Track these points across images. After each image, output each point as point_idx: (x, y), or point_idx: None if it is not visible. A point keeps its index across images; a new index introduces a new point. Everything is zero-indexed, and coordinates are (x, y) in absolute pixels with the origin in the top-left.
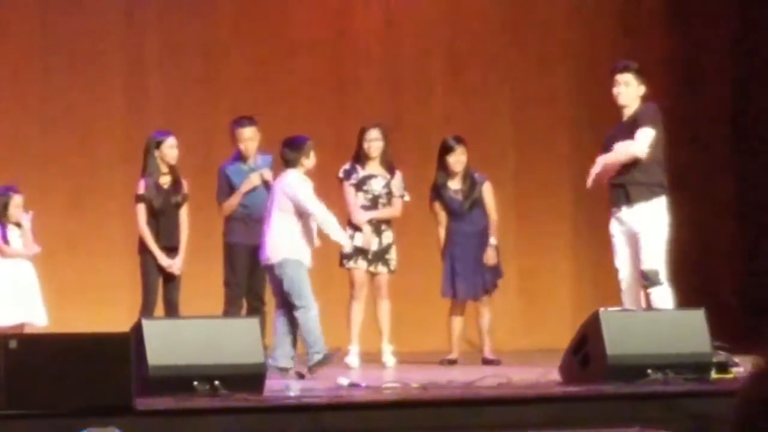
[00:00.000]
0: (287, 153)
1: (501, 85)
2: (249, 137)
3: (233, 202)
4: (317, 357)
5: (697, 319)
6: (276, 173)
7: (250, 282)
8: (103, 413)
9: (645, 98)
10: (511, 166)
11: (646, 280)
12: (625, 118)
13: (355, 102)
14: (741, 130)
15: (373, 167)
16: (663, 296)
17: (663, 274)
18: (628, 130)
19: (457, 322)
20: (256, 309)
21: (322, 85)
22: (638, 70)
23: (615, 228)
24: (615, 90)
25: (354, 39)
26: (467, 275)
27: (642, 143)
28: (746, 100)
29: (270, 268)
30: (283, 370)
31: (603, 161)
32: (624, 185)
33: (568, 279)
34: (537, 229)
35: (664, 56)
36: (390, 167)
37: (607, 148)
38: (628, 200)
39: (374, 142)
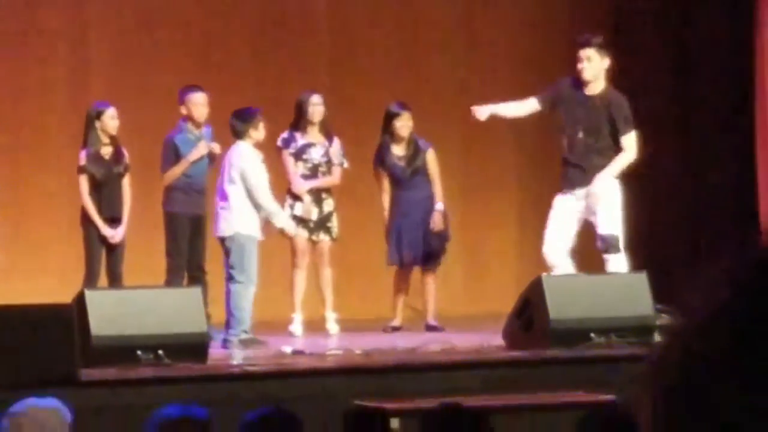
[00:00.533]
0: (236, 124)
1: (447, 55)
2: (201, 103)
3: (178, 170)
4: (245, 336)
5: (639, 282)
6: (224, 147)
7: (191, 251)
8: (48, 384)
9: (609, 72)
10: (456, 136)
11: (606, 245)
12: (589, 91)
13: (295, 69)
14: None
15: (313, 135)
16: (620, 264)
17: (621, 242)
18: (599, 111)
19: (402, 289)
20: (197, 278)
21: (260, 51)
22: (600, 44)
23: (564, 202)
24: (579, 66)
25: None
26: (413, 243)
27: (633, 150)
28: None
29: (222, 241)
30: (249, 342)
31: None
32: (583, 167)
33: (512, 247)
34: (482, 198)
35: None
36: (328, 134)
37: (555, 104)
38: (586, 180)
39: (317, 106)
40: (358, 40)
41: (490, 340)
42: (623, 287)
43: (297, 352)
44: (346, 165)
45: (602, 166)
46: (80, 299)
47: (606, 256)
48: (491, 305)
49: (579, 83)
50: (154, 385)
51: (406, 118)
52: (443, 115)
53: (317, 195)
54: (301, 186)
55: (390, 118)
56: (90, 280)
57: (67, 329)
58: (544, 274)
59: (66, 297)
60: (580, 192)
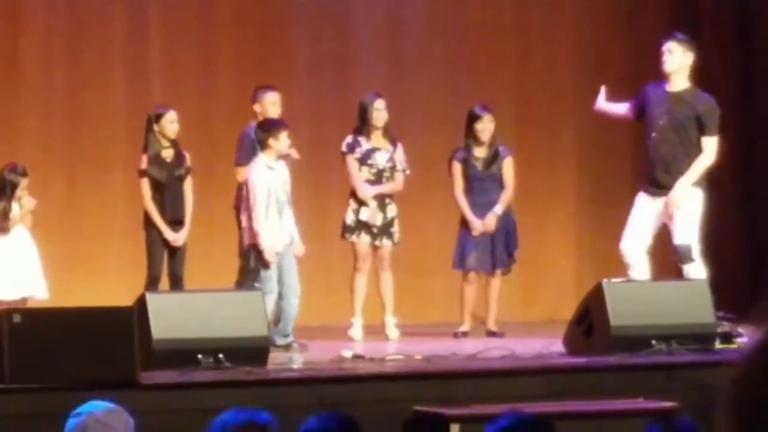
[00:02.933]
0: (258, 133)
1: (506, 61)
2: (274, 102)
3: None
4: (283, 340)
5: (700, 289)
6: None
7: None
8: (108, 387)
9: (694, 67)
10: (514, 139)
11: (679, 255)
12: (672, 87)
13: (355, 75)
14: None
15: (377, 140)
16: (697, 273)
17: (696, 251)
18: (683, 108)
19: (469, 293)
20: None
21: (322, 59)
22: (683, 39)
23: (644, 202)
24: (662, 59)
25: (354, 15)
26: (479, 247)
27: (713, 153)
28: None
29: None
30: (283, 347)
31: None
32: (664, 166)
33: (570, 251)
34: (539, 202)
35: None
36: (392, 139)
37: (642, 109)
38: (668, 181)
39: (381, 111)
40: (415, 46)
41: (550, 346)
42: (684, 294)
43: (357, 357)
44: (408, 171)
45: (686, 165)
46: (141, 302)
47: (682, 266)
48: (550, 311)
49: (662, 82)
50: (214, 389)
51: (487, 120)
52: (501, 119)
53: (381, 200)
54: (367, 191)
55: (471, 120)
56: (152, 283)
57: (128, 332)
58: (604, 281)
59: (126, 299)
60: (661, 193)
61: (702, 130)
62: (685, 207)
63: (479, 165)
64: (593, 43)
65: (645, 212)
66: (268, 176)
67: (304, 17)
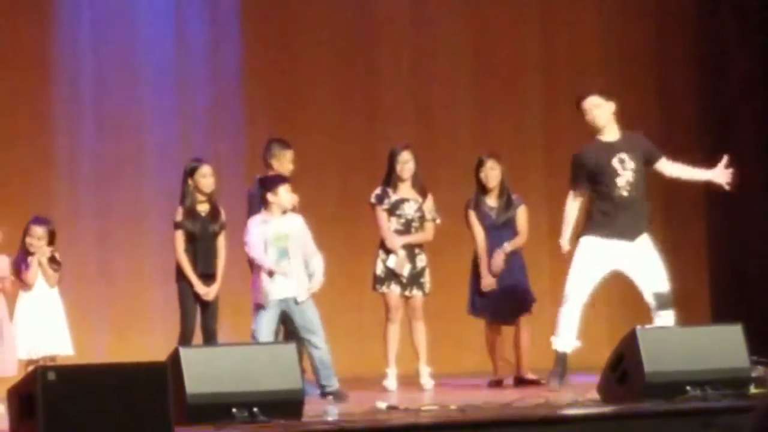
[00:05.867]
0: (259, 189)
1: (531, 106)
2: (292, 159)
3: None
4: None
5: (734, 334)
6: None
7: None
8: None
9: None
10: (541, 181)
11: (662, 302)
12: (607, 137)
13: (383, 123)
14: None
15: (405, 190)
16: (672, 319)
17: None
18: (634, 142)
19: (493, 341)
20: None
21: (350, 106)
22: (600, 91)
23: (601, 251)
24: (588, 117)
25: (382, 59)
26: (493, 296)
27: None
28: None
29: None
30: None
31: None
32: (635, 217)
33: (600, 297)
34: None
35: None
36: (422, 190)
37: (606, 165)
38: (638, 232)
39: (406, 164)
40: (442, 93)
41: (585, 393)
42: (718, 339)
43: (391, 408)
44: (438, 221)
45: (645, 214)
46: (175, 357)
47: (660, 313)
48: (582, 358)
49: (594, 139)
50: None
51: (489, 166)
52: (526, 160)
53: (410, 250)
54: (396, 242)
55: (477, 167)
56: (185, 337)
57: (162, 387)
58: (638, 327)
59: (160, 354)
60: (622, 243)
61: (654, 158)
62: (658, 256)
63: (493, 214)
64: (621, 82)
65: (600, 261)
66: (262, 229)
67: (331, 67)
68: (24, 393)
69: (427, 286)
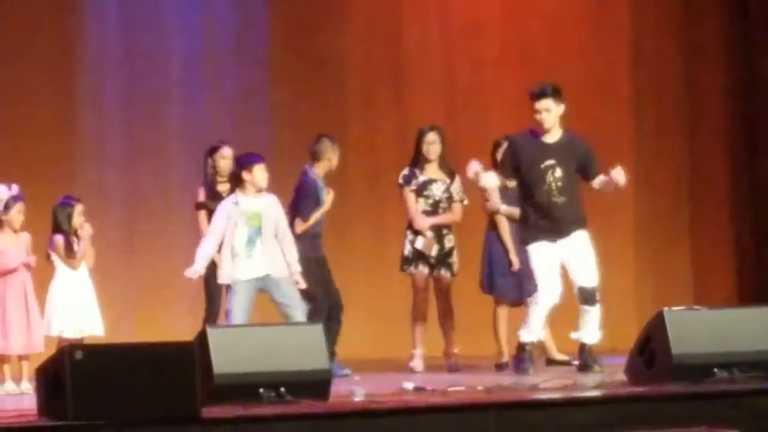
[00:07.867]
0: (234, 169)
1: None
2: (337, 155)
3: (318, 215)
4: None
5: (763, 316)
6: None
7: (333, 292)
8: (170, 423)
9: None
10: None
11: (585, 297)
12: (546, 138)
13: (412, 107)
14: None
15: (432, 171)
16: (598, 315)
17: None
18: (569, 152)
19: (497, 322)
20: (338, 318)
21: (379, 91)
22: (555, 93)
23: (548, 251)
24: (538, 117)
25: (412, 39)
26: (506, 275)
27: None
28: None
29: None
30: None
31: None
32: (567, 216)
33: (629, 281)
34: (596, 233)
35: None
36: (449, 171)
37: (536, 168)
38: (570, 228)
39: (432, 145)
40: (476, 75)
41: (612, 375)
42: (746, 321)
43: (418, 389)
44: (466, 201)
45: (579, 212)
46: (202, 337)
47: (586, 308)
48: (610, 340)
49: (535, 134)
50: (277, 422)
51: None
52: None
53: (438, 231)
54: (424, 222)
55: (494, 147)
56: (211, 317)
57: (190, 367)
58: (665, 309)
59: (186, 334)
60: (560, 240)
61: (594, 169)
62: (590, 250)
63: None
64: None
65: (553, 261)
66: (231, 211)
67: (359, 49)
68: (51, 372)
69: (455, 267)
